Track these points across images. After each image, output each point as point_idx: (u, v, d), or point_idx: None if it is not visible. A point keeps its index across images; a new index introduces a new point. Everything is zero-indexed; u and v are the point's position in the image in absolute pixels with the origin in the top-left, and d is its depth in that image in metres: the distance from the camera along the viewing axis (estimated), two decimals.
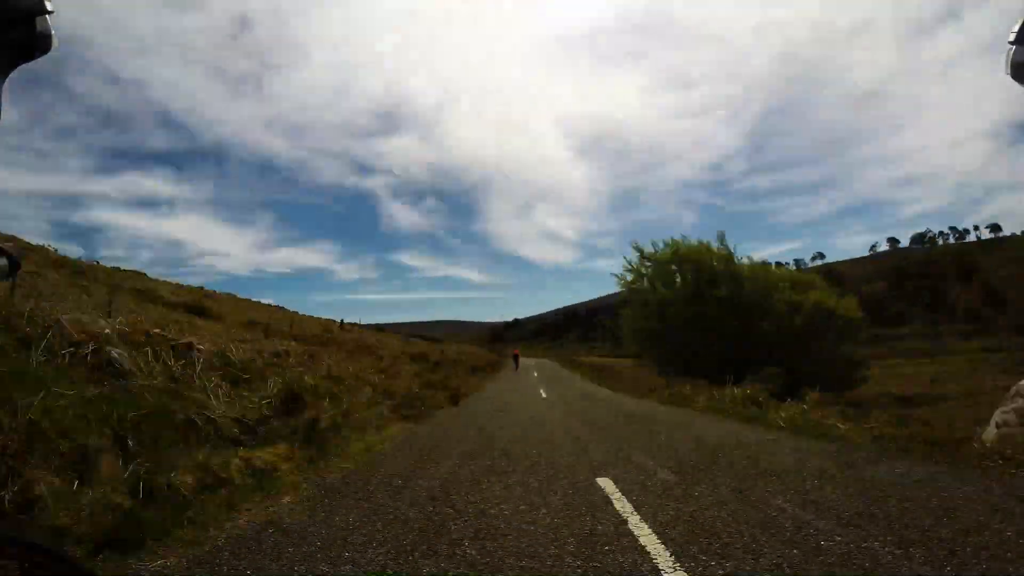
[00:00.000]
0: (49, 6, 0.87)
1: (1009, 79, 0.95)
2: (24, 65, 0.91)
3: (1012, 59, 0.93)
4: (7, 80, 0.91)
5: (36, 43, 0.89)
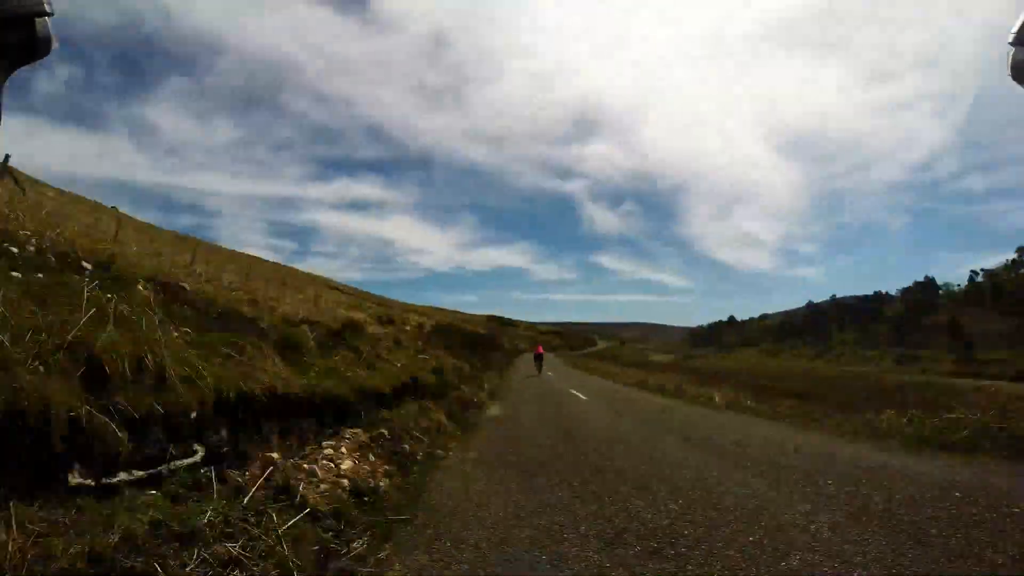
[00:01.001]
0: (49, 8, 0.87)
1: (1009, 79, 0.94)
2: (24, 68, 0.91)
3: (1012, 60, 0.93)
4: (7, 82, 0.90)
5: (36, 46, 0.89)
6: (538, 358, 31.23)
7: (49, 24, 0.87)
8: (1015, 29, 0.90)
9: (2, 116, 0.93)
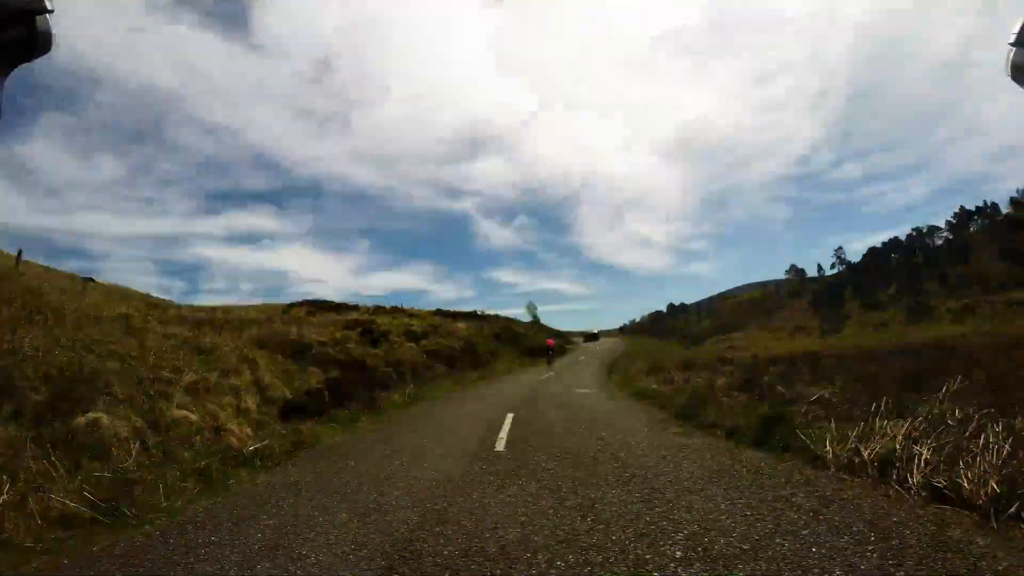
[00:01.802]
0: (49, 5, 0.88)
1: (1009, 81, 0.95)
2: (24, 65, 0.92)
3: (1012, 60, 0.93)
4: (7, 80, 0.91)
5: (37, 43, 0.90)
6: (549, 352, 30.66)
7: (50, 21, 0.89)
8: (1015, 30, 0.91)
9: (2, 114, 0.93)
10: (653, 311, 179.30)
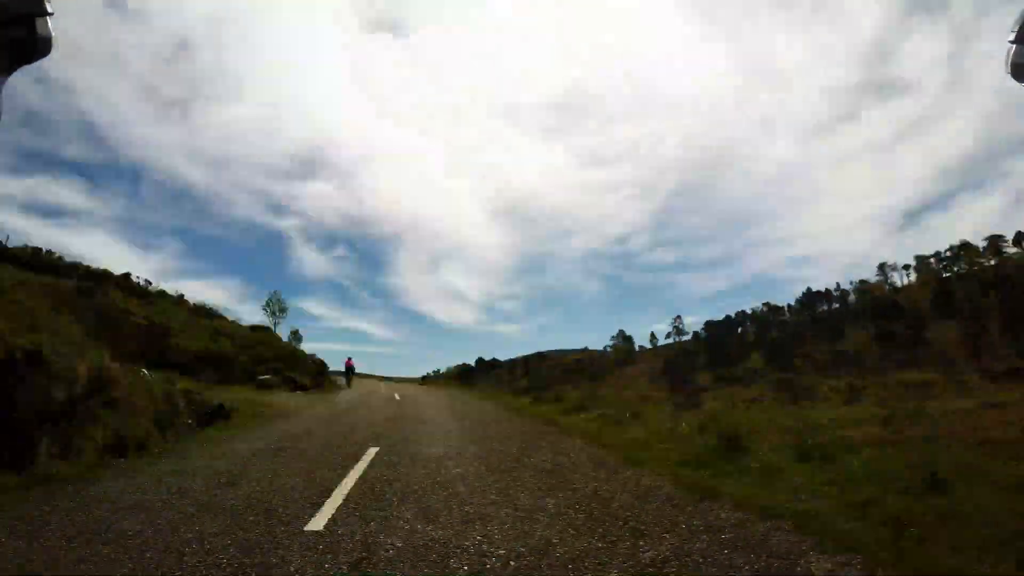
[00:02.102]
0: (49, 8, 0.89)
1: (1009, 78, 0.95)
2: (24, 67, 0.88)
3: (1012, 59, 0.94)
4: (7, 82, 0.86)
5: (36, 45, 0.88)
6: (348, 372, 29.61)
7: (49, 24, 0.88)
8: (1015, 28, 0.92)
9: (2, 116, 0.85)
10: (460, 363, 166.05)
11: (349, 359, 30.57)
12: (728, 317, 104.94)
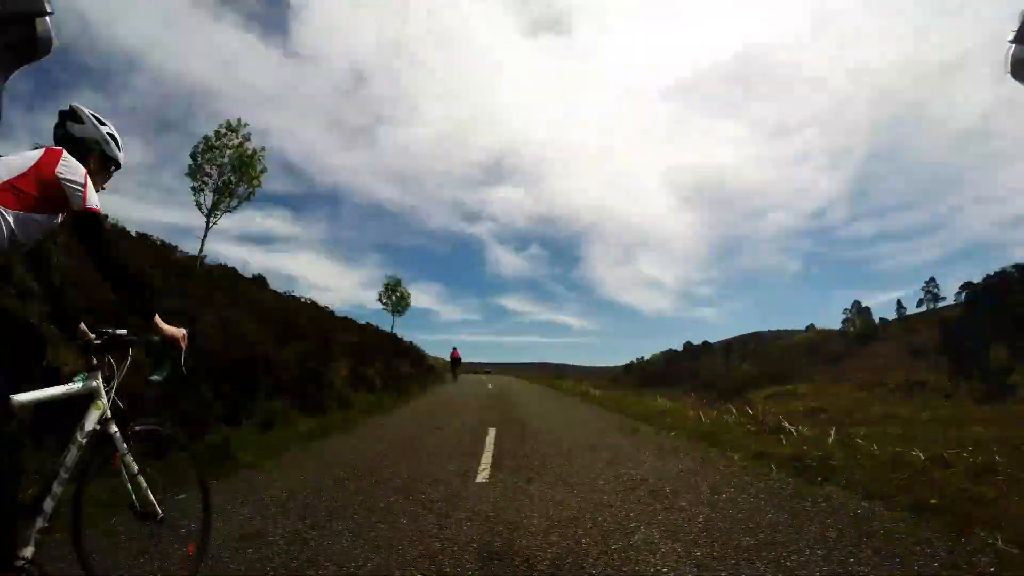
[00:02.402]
0: (49, 8, 0.88)
1: (1009, 78, 0.95)
2: (25, 67, 0.88)
3: (1012, 58, 0.94)
4: (7, 82, 0.86)
5: (37, 45, 0.88)
6: (454, 365, 28.91)
7: (49, 23, 0.87)
8: (1015, 28, 0.92)
9: (2, 116, 0.85)
10: (666, 350, 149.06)
11: (455, 350, 29.48)
12: (1004, 272, 75.48)
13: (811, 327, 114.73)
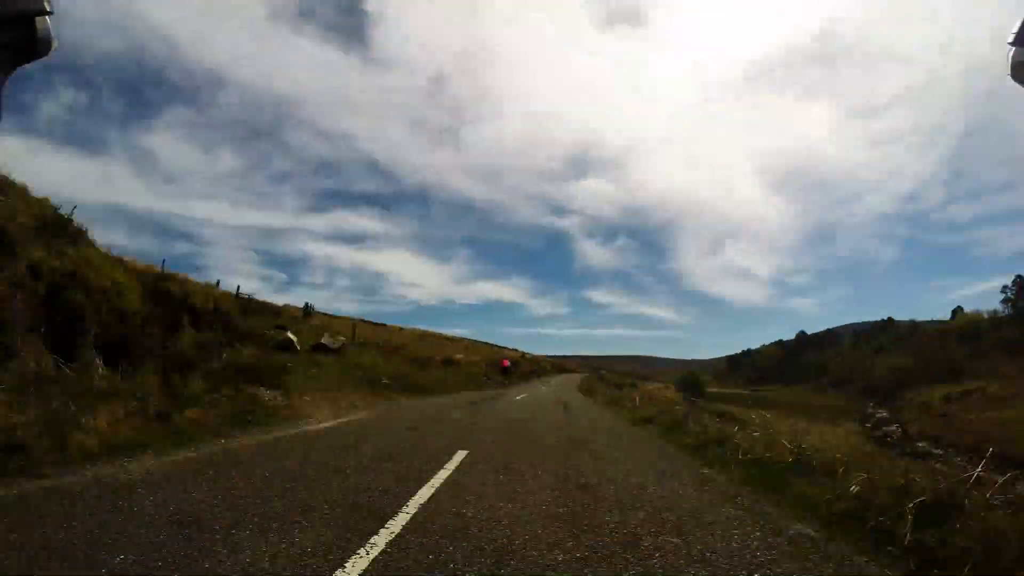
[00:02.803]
0: (49, 7, 0.88)
1: (1009, 79, 0.95)
2: (25, 66, 0.89)
3: (1012, 59, 0.94)
4: (7, 81, 0.87)
5: (37, 45, 0.88)
6: (505, 371, 27.94)
7: (49, 23, 0.88)
8: (1015, 29, 0.92)
9: (2, 115, 0.87)
10: (775, 341, 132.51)
11: (505, 360, 29.85)
12: None
13: (959, 310, 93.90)
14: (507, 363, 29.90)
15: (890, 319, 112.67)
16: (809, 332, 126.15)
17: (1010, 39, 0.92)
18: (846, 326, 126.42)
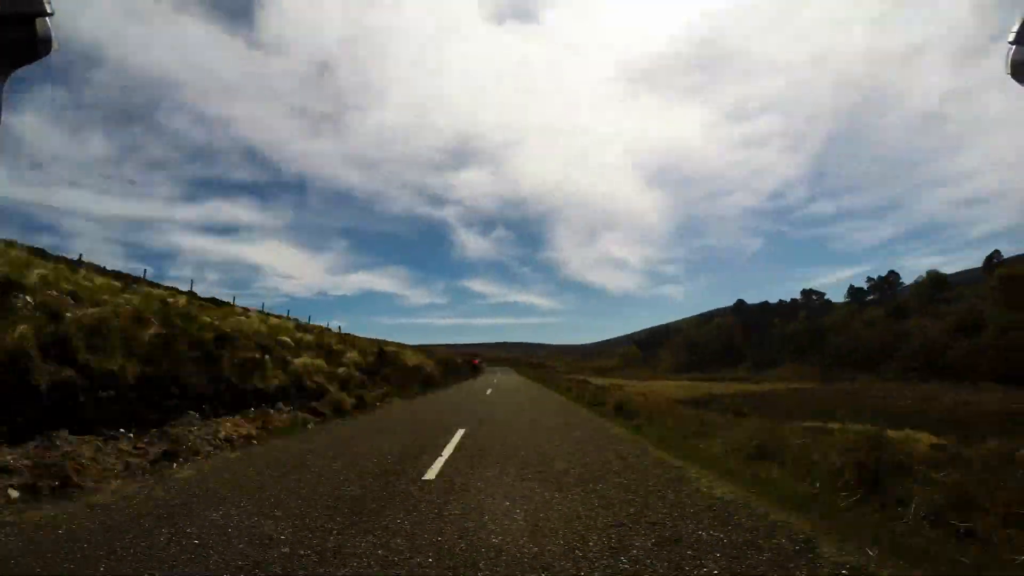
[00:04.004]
0: (49, 8, 0.87)
1: (1009, 79, 0.95)
2: (25, 67, 0.86)
3: (1012, 59, 0.94)
4: (6, 82, 0.84)
5: (37, 46, 0.87)
6: (475, 368, 32.25)
7: (49, 24, 0.86)
8: (1015, 28, 0.92)
9: (2, 116, 0.83)
10: (711, 310, 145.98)
11: (475, 358, 33.82)
12: None
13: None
14: (477, 362, 34.70)
15: (740, 301, 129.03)
16: (679, 318, 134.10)
17: (1010, 38, 0.92)
18: (719, 309, 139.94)
